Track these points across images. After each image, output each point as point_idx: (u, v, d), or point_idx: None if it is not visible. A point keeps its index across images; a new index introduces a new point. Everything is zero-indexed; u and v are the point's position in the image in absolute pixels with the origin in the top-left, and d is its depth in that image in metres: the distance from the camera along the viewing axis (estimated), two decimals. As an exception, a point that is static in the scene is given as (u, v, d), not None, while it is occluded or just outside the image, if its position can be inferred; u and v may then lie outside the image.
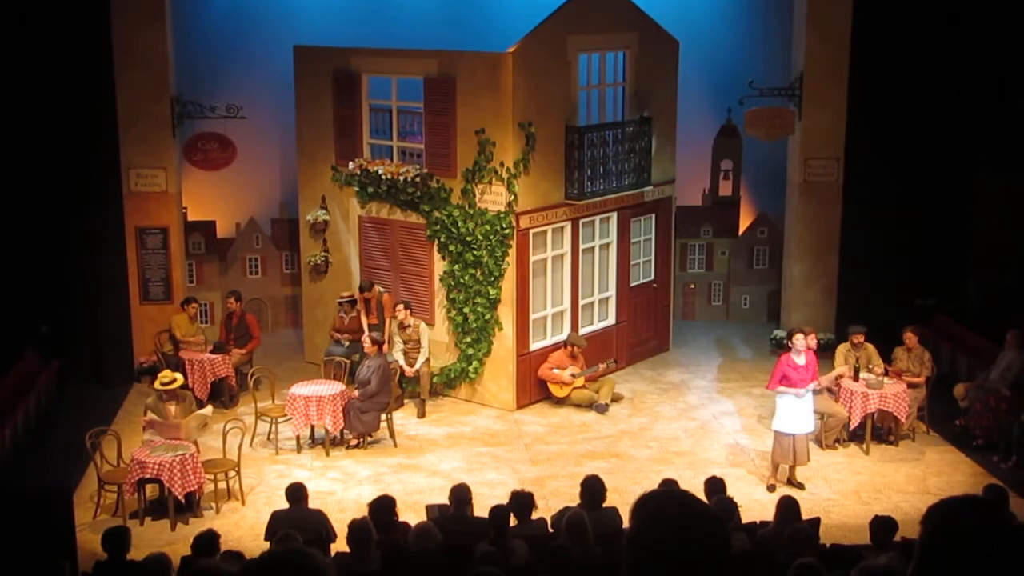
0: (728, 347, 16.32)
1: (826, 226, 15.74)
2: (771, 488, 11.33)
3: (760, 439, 12.38)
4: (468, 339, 13.91)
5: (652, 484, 10.36)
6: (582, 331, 14.50)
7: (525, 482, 11.21)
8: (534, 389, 14.03)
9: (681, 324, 16.89)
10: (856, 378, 12.44)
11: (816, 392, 11.58)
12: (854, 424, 12.32)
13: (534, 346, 13.99)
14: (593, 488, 8.77)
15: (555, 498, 10.79)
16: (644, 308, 15.62)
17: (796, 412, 11.26)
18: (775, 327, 16.16)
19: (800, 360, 11.28)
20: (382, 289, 14.38)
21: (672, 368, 15.44)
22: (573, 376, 13.80)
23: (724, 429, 13.19)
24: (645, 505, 2.82)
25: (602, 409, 13.67)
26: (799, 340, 11.30)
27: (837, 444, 12.43)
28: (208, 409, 12.08)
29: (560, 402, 13.88)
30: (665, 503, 2.83)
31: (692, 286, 17.47)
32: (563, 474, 11.86)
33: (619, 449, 12.66)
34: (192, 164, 15.65)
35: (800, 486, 11.39)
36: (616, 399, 14.00)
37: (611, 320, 15.13)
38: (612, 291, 15.08)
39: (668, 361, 15.73)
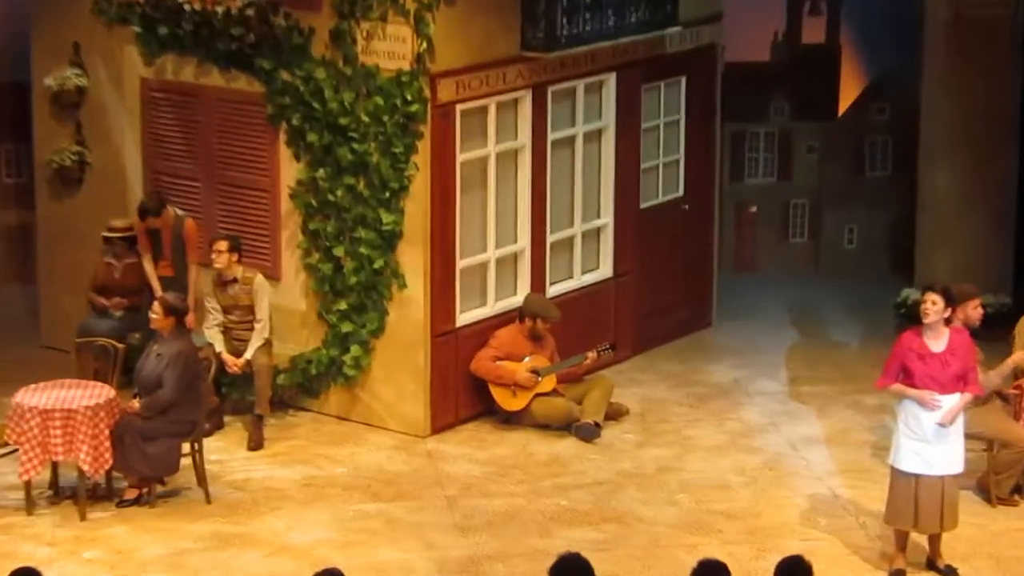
0: (818, 321, 15.95)
1: (996, 100, 14.91)
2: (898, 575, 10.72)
3: (876, 487, 11.90)
4: (344, 305, 13.26)
5: (680, 572, 9.45)
6: (551, 291, 13.90)
7: (447, 566, 10.84)
8: (464, 397, 13.36)
9: (732, 279, 16.46)
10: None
11: (977, 404, 10.97)
12: (1047, 461, 11.26)
13: (464, 318, 13.35)
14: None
15: (502, 599, 9.90)
16: (665, 250, 14.99)
17: (927, 437, 10.86)
18: (904, 285, 15.38)
19: (935, 344, 10.71)
20: (182, 212, 13.62)
21: (717, 359, 15.00)
22: (535, 373, 13.22)
23: (810, 469, 12.84)
24: None
25: (588, 432, 13.09)
26: (933, 306, 10.82)
27: (1016, 496, 12.17)
28: None
29: (512, 419, 13.36)
30: None
31: (753, 209, 17.15)
32: (516, 552, 11.31)
33: (620, 505, 12.13)
34: None
35: (951, 571, 10.94)
36: (615, 414, 13.49)
37: (605, 271, 14.57)
38: (607, 218, 14.45)
39: (709, 345, 15.28)
